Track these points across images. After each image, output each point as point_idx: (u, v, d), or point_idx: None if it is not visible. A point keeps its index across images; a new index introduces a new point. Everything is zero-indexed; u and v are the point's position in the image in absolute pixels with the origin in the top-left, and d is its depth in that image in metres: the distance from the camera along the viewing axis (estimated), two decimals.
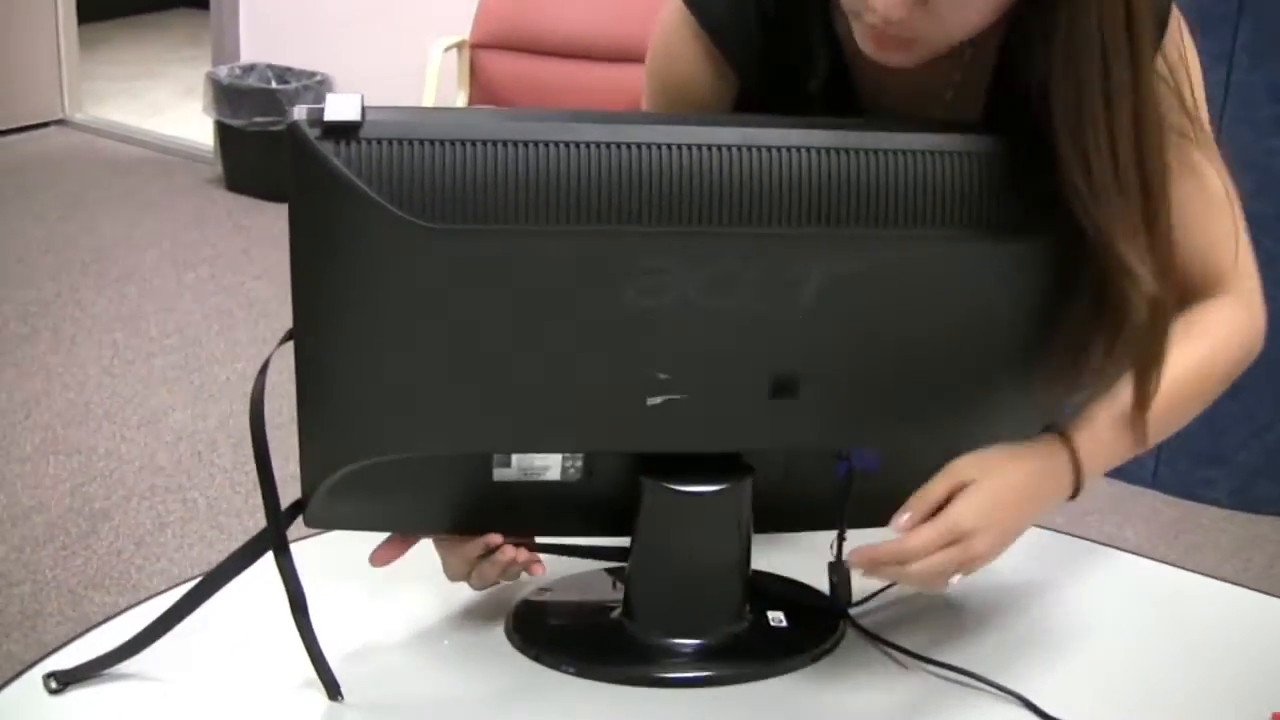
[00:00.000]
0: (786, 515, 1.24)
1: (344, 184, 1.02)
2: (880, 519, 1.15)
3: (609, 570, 1.29)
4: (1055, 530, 1.43)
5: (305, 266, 1.07)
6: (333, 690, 1.15)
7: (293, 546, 1.16)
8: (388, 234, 1.03)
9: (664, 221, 1.05)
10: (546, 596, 1.31)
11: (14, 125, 5.71)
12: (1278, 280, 1.44)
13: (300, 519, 1.16)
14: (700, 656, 1.21)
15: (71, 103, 5.94)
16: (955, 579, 1.13)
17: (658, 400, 1.12)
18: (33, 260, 4.44)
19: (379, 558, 1.21)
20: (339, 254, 1.05)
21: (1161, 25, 1.15)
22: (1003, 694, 1.19)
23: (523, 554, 1.21)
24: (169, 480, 3.23)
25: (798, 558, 1.30)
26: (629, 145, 1.04)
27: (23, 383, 3.65)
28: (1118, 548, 1.44)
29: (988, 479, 1.14)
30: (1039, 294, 1.14)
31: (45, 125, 5.82)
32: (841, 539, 1.22)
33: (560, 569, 1.29)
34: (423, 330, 1.08)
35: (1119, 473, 3.37)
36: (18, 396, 3.57)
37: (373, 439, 1.13)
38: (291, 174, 1.03)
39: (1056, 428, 1.18)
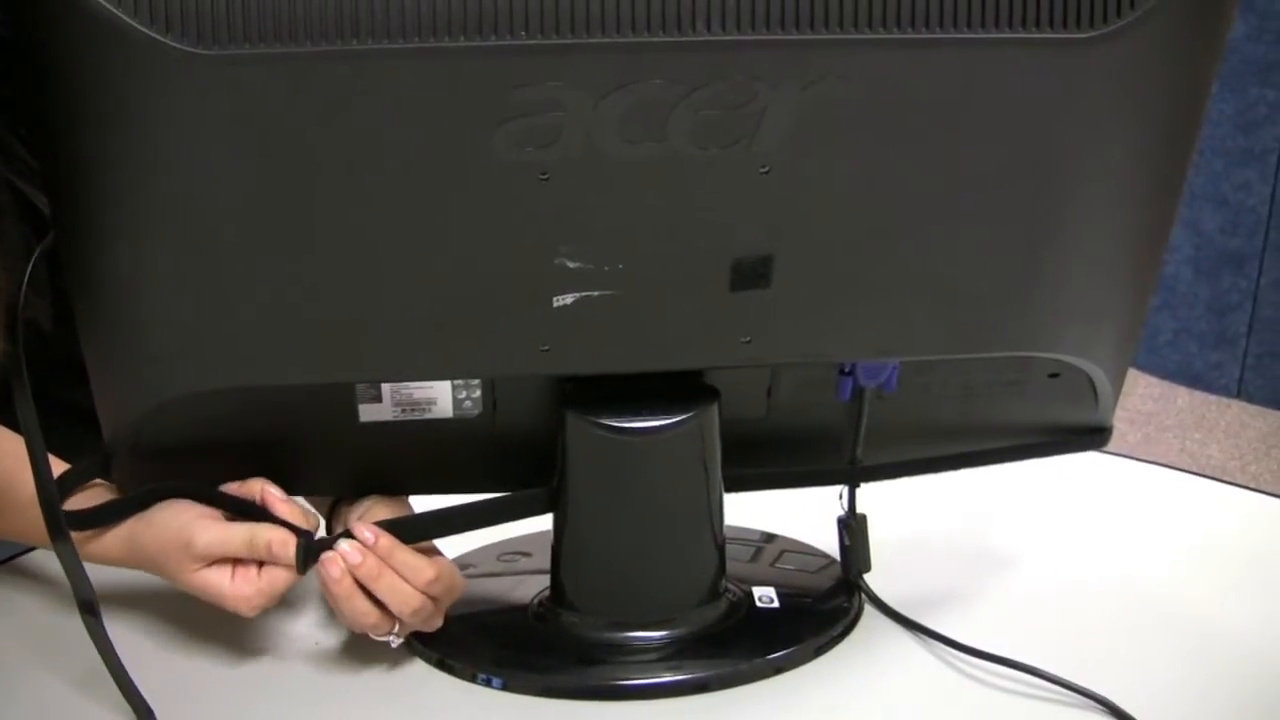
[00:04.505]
0: (773, 456, 0.94)
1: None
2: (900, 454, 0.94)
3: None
4: (1125, 456, 1.19)
5: (45, 135, 0.76)
6: (143, 715, 0.85)
7: None
8: (139, 68, 0.71)
9: (547, 30, 0.70)
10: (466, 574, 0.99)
11: None
12: None
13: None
14: (662, 655, 0.91)
15: None
16: None
17: (567, 299, 0.79)
18: None
19: None
20: (81, 109, 0.73)
21: None
22: (1080, 697, 0.86)
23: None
24: None
25: (791, 510, 1.01)
26: None
27: None
28: (1199, 473, 1.20)
29: None
30: (1137, 121, 0.79)
31: None
32: (854, 483, 0.95)
33: (477, 538, 0.99)
34: (216, 208, 0.75)
35: (1198, 381, 3.10)
36: None
37: (176, 366, 0.82)
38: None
39: None
